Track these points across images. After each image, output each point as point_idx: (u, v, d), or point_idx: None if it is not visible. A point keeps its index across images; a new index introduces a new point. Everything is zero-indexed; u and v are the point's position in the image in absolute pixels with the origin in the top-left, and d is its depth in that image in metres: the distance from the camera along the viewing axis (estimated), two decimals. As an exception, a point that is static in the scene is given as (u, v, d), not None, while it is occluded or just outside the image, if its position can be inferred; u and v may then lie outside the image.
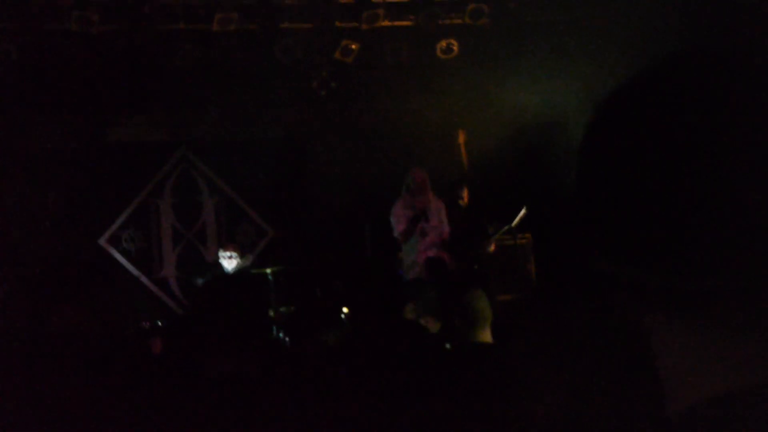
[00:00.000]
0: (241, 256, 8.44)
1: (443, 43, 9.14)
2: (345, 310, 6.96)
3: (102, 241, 9.33)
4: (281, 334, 7.41)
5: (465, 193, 7.96)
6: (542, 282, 8.65)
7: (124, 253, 9.38)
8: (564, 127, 8.96)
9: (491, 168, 8.95)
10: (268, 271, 8.20)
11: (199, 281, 7.98)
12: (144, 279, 9.39)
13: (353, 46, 9.03)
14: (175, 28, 8.64)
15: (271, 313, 7.65)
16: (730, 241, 0.82)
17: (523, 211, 7.82)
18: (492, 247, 7.88)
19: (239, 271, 8.10)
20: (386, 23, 8.94)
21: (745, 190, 0.82)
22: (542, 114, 8.93)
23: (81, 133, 9.07)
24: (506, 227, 7.89)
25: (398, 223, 7.50)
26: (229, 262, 8.25)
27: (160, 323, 7.92)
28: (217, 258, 8.38)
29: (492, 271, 7.99)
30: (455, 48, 9.14)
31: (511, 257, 8.42)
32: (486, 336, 3.81)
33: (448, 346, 3.91)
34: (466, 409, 3.13)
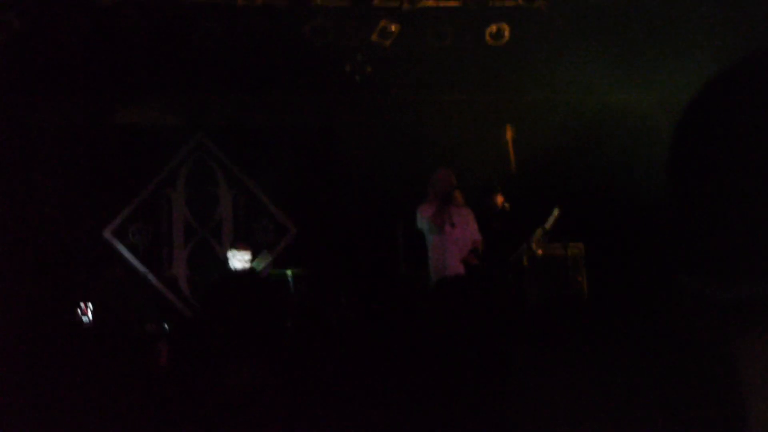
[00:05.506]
0: (254, 257, 8.19)
1: (493, 27, 8.87)
2: None
3: (107, 234, 9.17)
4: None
5: (497, 200, 7.83)
6: (594, 296, 8.37)
7: (131, 247, 9.23)
8: (627, 124, 8.63)
9: (541, 168, 8.74)
10: (289, 273, 8.00)
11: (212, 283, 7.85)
12: (151, 277, 9.22)
13: (392, 28, 8.82)
14: (195, 1, 8.46)
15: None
16: None
17: (556, 212, 7.63)
18: (538, 251, 7.73)
19: (253, 272, 7.85)
20: (430, 3, 8.74)
21: None
22: (603, 109, 8.63)
23: (87, 113, 8.94)
24: (539, 230, 7.71)
25: (425, 212, 7.58)
26: (239, 263, 8.04)
27: (166, 326, 7.75)
28: (227, 257, 8.20)
29: (537, 283, 7.80)
30: (506, 33, 8.86)
31: (559, 268, 8.15)
32: None
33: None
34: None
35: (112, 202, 9.14)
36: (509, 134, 8.49)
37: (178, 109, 9.35)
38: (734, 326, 0.90)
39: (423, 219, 7.61)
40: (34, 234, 8.56)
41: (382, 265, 8.65)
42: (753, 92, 0.87)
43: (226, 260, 8.17)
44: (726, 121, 0.89)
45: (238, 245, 8.25)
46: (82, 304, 7.48)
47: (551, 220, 7.72)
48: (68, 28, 8.24)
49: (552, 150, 8.74)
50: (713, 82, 0.92)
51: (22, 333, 7.42)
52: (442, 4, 8.80)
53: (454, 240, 7.59)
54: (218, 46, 8.72)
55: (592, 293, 8.21)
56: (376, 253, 8.75)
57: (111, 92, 8.98)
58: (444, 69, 9.20)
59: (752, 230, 0.84)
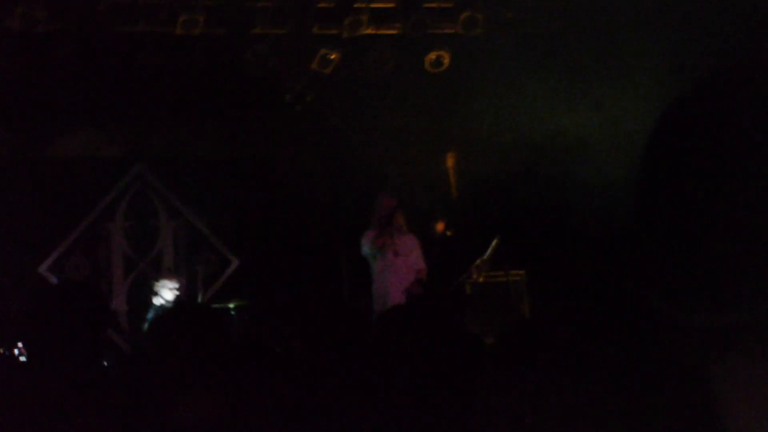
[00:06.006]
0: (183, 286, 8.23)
1: (432, 55, 8.96)
2: None
3: (43, 269, 9.03)
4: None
5: (439, 227, 7.93)
6: (537, 323, 8.40)
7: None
8: (566, 149, 8.76)
9: (483, 195, 8.82)
10: (231, 306, 7.93)
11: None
12: None
13: (332, 56, 8.86)
14: (133, 31, 8.40)
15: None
16: None
17: (495, 242, 7.71)
18: (480, 279, 7.82)
19: (198, 306, 7.81)
20: (370, 31, 8.77)
21: None
22: (541, 136, 8.73)
23: (21, 145, 8.82)
24: (478, 260, 7.79)
25: (368, 238, 7.66)
26: (168, 293, 8.05)
27: (105, 363, 7.57)
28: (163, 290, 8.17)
29: (479, 311, 7.88)
30: (446, 61, 8.96)
31: (501, 295, 8.22)
32: None
33: None
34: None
35: (48, 237, 9.01)
36: (451, 161, 8.57)
37: (116, 141, 9.25)
38: (707, 352, 0.91)
39: (366, 245, 7.64)
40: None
41: (326, 295, 8.62)
42: (725, 111, 0.93)
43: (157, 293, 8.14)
44: (702, 141, 0.93)
45: (166, 275, 8.24)
46: (20, 344, 7.29)
47: (490, 250, 7.81)
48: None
49: (494, 176, 8.83)
50: (683, 100, 0.97)
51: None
52: (381, 31, 8.87)
53: (396, 269, 7.61)
54: (156, 77, 8.69)
55: (535, 320, 8.25)
56: (320, 282, 8.73)
57: (46, 124, 8.88)
58: (385, 97, 9.25)
59: (731, 258, 0.84)
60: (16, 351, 7.19)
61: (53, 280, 9.01)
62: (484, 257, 7.80)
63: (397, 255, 7.53)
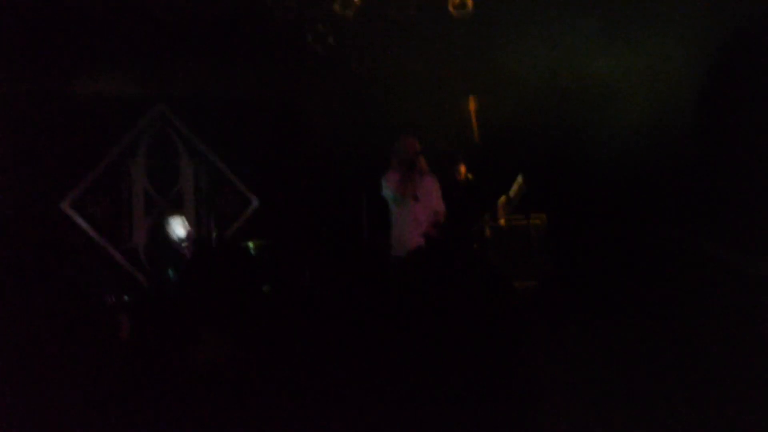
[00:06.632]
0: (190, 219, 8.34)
1: (456, -3, 8.82)
2: None
3: (64, 206, 9.07)
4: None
5: (461, 170, 7.87)
6: (560, 267, 8.42)
7: (90, 219, 9.14)
8: (592, 94, 8.68)
9: (506, 139, 8.80)
10: (251, 245, 8.00)
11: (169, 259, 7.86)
12: (111, 249, 9.16)
13: (354, -2, 8.74)
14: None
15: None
16: None
17: (519, 179, 7.66)
18: (501, 221, 7.78)
19: (227, 244, 7.90)
20: (393, -28, 8.64)
21: None
22: (567, 80, 8.64)
23: (42, 83, 8.79)
24: (503, 198, 7.75)
25: (390, 180, 7.49)
26: (180, 229, 8.09)
27: (126, 299, 7.68)
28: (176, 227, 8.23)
29: (500, 254, 7.87)
30: (470, 3, 8.83)
31: (523, 239, 8.20)
32: None
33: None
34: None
35: (69, 174, 9.05)
36: (473, 105, 8.52)
37: (138, 80, 9.23)
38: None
39: (388, 188, 7.59)
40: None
41: (346, 236, 8.64)
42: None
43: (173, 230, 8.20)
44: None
45: (171, 212, 8.31)
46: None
47: (515, 187, 7.76)
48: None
49: (519, 120, 8.78)
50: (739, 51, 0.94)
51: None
52: (405, -28, 8.76)
53: (415, 214, 7.58)
54: (179, 17, 8.66)
55: (555, 263, 8.27)
56: (340, 223, 8.73)
57: (69, 61, 8.83)
58: (407, 40, 9.17)
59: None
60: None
61: (75, 217, 9.09)
62: (510, 194, 7.75)
63: (417, 199, 7.48)
